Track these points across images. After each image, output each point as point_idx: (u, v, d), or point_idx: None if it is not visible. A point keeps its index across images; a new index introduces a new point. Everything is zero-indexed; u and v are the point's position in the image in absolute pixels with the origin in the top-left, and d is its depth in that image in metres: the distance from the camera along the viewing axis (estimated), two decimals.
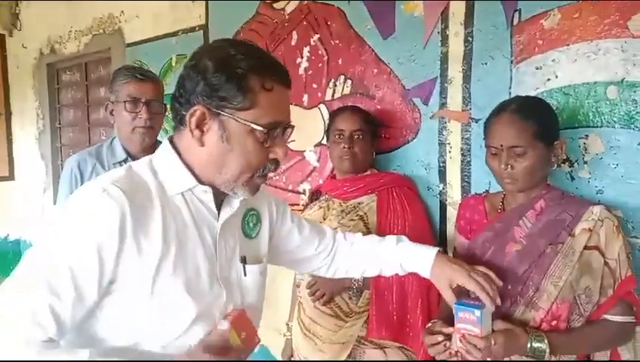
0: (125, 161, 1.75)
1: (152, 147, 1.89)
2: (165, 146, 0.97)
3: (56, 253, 0.83)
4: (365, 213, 1.61)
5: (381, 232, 1.55)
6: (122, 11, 3.08)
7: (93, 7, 3.27)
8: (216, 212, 0.97)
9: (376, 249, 1.26)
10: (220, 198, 0.98)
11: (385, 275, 1.28)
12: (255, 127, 0.87)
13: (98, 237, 0.82)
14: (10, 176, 4.33)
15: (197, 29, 2.61)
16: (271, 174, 2.27)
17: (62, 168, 3.66)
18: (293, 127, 0.97)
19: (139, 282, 0.86)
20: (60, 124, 3.90)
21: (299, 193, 2.23)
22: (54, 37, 3.73)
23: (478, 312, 1.09)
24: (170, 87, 2.91)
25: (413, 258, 1.22)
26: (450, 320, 1.28)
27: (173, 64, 2.77)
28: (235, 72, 0.86)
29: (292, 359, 1.87)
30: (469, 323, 1.10)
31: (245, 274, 1.01)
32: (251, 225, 1.09)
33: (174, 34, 2.75)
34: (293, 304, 1.89)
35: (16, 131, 4.32)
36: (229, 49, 0.89)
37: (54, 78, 3.88)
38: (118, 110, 1.70)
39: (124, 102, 1.66)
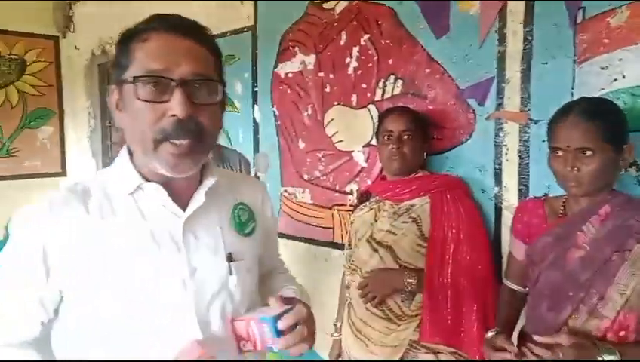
0: None
1: None
2: (122, 150, 0.91)
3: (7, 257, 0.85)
4: (418, 216, 1.59)
5: (436, 235, 1.54)
6: (172, 13, 3.15)
7: (143, 10, 3.36)
8: (180, 208, 0.87)
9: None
10: (189, 194, 0.90)
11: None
12: (129, 81, 0.79)
13: (23, 248, 0.83)
14: (63, 173, 4.51)
15: (245, 29, 2.63)
16: (317, 173, 2.34)
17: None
18: (204, 79, 0.82)
19: (84, 288, 0.82)
20: (110, 122, 4.03)
21: (346, 193, 2.22)
22: (105, 38, 3.86)
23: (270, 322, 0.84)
24: None
25: None
26: (510, 332, 1.24)
27: None
28: (123, 37, 0.85)
29: (340, 359, 1.87)
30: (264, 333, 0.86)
31: (231, 273, 0.91)
32: (242, 219, 0.98)
33: (222, 35, 2.79)
34: (341, 304, 1.89)
35: (69, 129, 4.49)
36: None
37: (105, 78, 4.00)
38: None
39: None
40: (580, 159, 1.20)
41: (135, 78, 0.79)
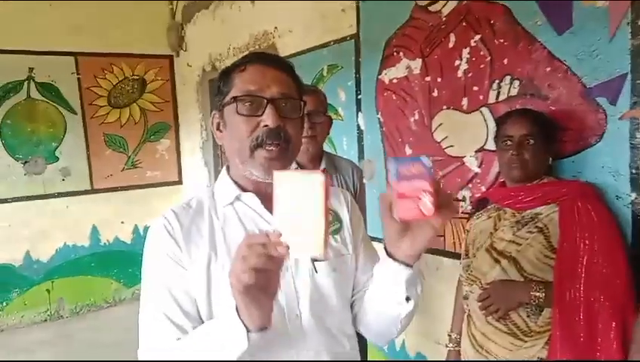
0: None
1: (318, 156, 1.98)
2: (222, 169, 1.09)
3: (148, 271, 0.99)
4: (545, 225, 1.49)
5: (566, 246, 1.43)
6: (276, 27, 3.28)
7: (250, 25, 3.54)
8: (270, 213, 0.93)
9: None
10: None
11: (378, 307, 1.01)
12: (230, 101, 0.97)
13: (163, 249, 0.96)
14: (179, 181, 4.89)
15: (348, 38, 2.66)
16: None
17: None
18: (288, 98, 0.98)
19: (197, 285, 0.95)
20: None
21: (457, 200, 2.16)
22: (215, 55, 4.12)
23: (427, 161, 0.73)
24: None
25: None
26: None
27: (325, 74, 2.87)
28: (224, 70, 1.03)
29: None
30: (417, 177, 0.73)
31: (316, 271, 1.00)
32: None
33: (326, 45, 2.85)
34: (457, 315, 1.83)
35: (184, 141, 4.86)
36: None
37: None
38: None
39: None
40: None
41: (235, 97, 0.97)
